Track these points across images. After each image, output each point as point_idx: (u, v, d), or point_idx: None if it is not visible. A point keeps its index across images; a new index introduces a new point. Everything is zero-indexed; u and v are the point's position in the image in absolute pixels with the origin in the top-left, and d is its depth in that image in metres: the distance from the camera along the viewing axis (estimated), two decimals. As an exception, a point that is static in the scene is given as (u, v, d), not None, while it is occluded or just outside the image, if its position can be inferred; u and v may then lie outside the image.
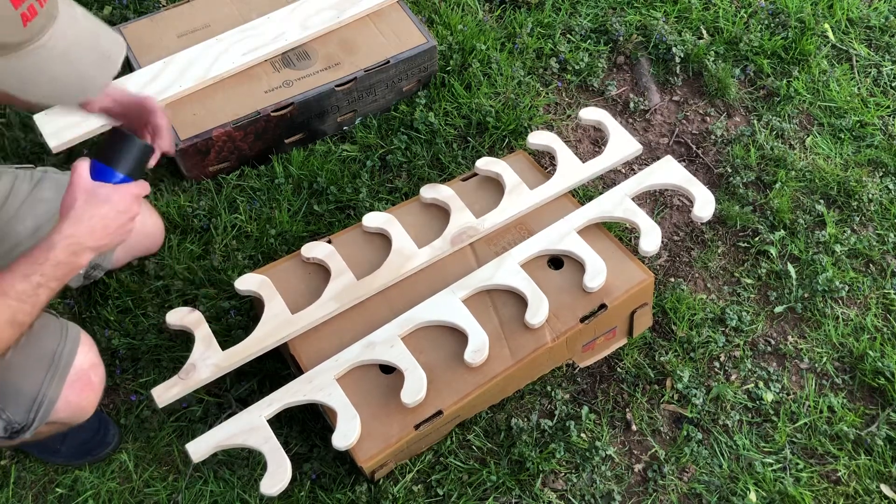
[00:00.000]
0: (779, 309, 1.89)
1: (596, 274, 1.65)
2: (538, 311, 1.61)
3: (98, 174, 1.25)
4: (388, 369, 1.59)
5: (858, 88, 2.28)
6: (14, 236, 1.48)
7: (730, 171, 2.10)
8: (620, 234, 1.98)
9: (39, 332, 1.30)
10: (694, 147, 2.17)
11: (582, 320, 1.64)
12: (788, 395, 1.77)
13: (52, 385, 1.30)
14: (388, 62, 2.05)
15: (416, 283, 1.69)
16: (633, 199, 1.79)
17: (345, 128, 2.13)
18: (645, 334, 1.83)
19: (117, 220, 1.23)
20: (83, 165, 1.23)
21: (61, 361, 1.31)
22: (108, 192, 1.22)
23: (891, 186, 2.08)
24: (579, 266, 1.69)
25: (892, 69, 2.32)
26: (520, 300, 1.65)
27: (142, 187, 1.27)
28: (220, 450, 1.48)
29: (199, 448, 1.46)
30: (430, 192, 1.79)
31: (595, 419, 1.73)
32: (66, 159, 2.00)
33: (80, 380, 1.34)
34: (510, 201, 1.78)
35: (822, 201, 2.04)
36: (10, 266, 1.17)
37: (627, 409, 1.75)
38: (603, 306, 1.65)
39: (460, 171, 2.05)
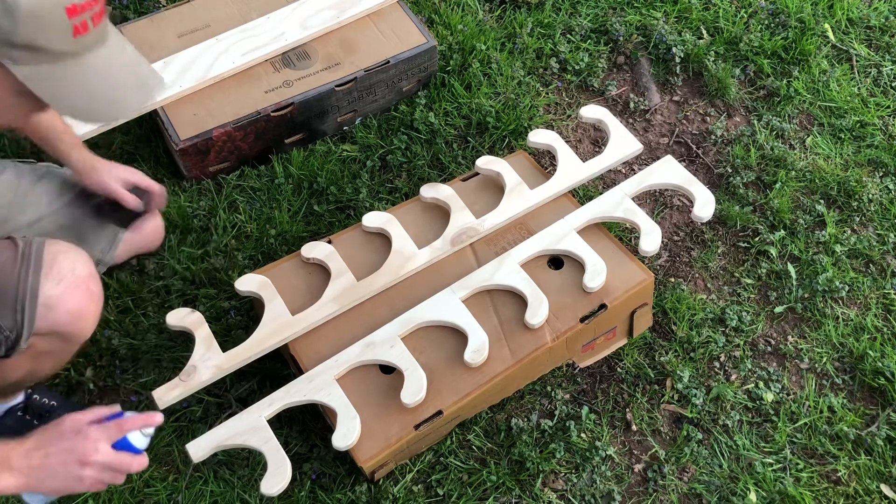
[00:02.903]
0: (779, 309, 1.89)
1: (596, 274, 1.66)
2: (538, 311, 1.61)
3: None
4: (388, 369, 1.59)
5: (858, 88, 2.28)
6: (12, 224, 1.47)
7: (730, 171, 2.10)
8: (620, 234, 1.98)
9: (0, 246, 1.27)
10: (694, 147, 2.17)
11: (582, 320, 1.64)
12: (788, 395, 1.77)
13: (29, 277, 1.23)
14: (388, 62, 2.05)
15: (416, 283, 1.69)
16: (633, 199, 1.79)
17: (345, 128, 2.13)
18: (645, 334, 1.83)
19: (63, 465, 1.11)
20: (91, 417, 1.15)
21: (31, 255, 1.25)
22: (76, 434, 1.12)
23: (891, 186, 2.08)
24: (579, 266, 1.69)
25: (892, 69, 2.32)
26: (520, 300, 1.65)
27: (121, 460, 1.14)
28: (220, 450, 1.48)
29: (199, 448, 1.46)
30: (430, 191, 1.79)
31: (595, 419, 1.73)
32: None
33: (79, 287, 1.29)
34: (510, 201, 1.78)
35: (822, 201, 2.04)
36: None
37: (627, 409, 1.75)
38: (603, 306, 1.65)
39: (460, 171, 2.05)
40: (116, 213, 1.49)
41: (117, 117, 1.12)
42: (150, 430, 1.20)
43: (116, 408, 1.19)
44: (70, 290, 1.28)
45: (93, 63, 1.06)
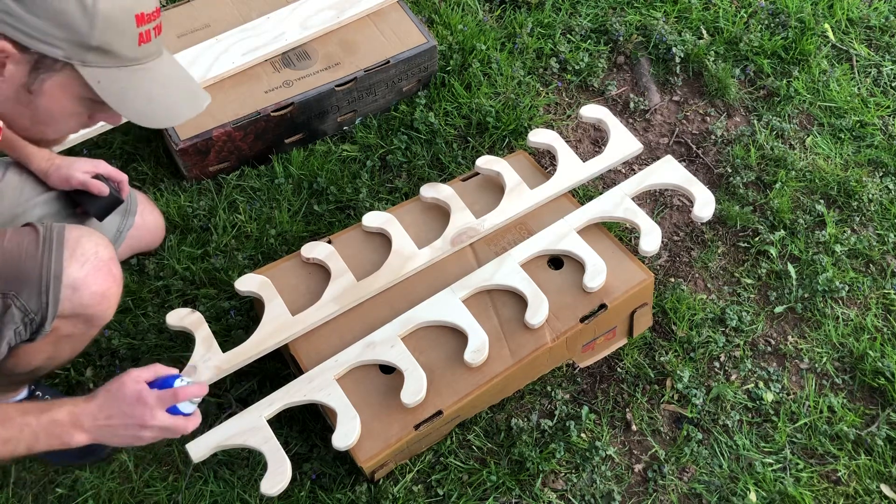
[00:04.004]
0: (779, 309, 1.89)
1: (596, 274, 1.66)
2: (538, 311, 1.61)
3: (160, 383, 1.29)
4: (388, 369, 1.59)
5: (858, 88, 2.28)
6: (24, 219, 1.48)
7: (730, 171, 2.10)
8: (620, 234, 1.98)
9: (20, 232, 1.29)
10: (694, 147, 2.17)
11: (582, 320, 1.64)
12: (788, 395, 1.77)
13: (52, 260, 1.27)
14: (388, 62, 2.05)
15: (416, 283, 1.69)
16: (633, 199, 1.79)
17: (345, 128, 2.13)
18: (645, 334, 1.83)
19: (125, 428, 1.25)
20: (143, 373, 1.27)
21: (53, 239, 1.29)
22: (137, 401, 1.24)
23: (891, 186, 2.08)
24: (579, 266, 1.69)
25: (892, 69, 2.32)
26: (520, 300, 1.65)
27: (176, 424, 1.27)
28: (220, 450, 1.48)
29: (199, 448, 1.46)
30: (430, 191, 1.79)
31: (595, 419, 1.73)
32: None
33: (101, 270, 1.32)
34: (510, 201, 1.78)
35: (822, 201, 2.05)
36: (21, 402, 1.25)
37: (627, 409, 1.75)
38: (603, 306, 1.65)
39: (460, 171, 2.05)
40: (92, 205, 1.51)
41: (172, 123, 1.22)
42: (198, 399, 1.31)
43: (174, 370, 1.31)
44: (94, 271, 1.31)
45: (152, 72, 1.14)
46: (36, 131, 1.15)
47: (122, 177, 1.58)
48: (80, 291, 1.29)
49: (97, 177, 1.51)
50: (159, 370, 1.30)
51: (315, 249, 1.71)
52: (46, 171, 1.50)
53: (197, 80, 1.96)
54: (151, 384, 1.27)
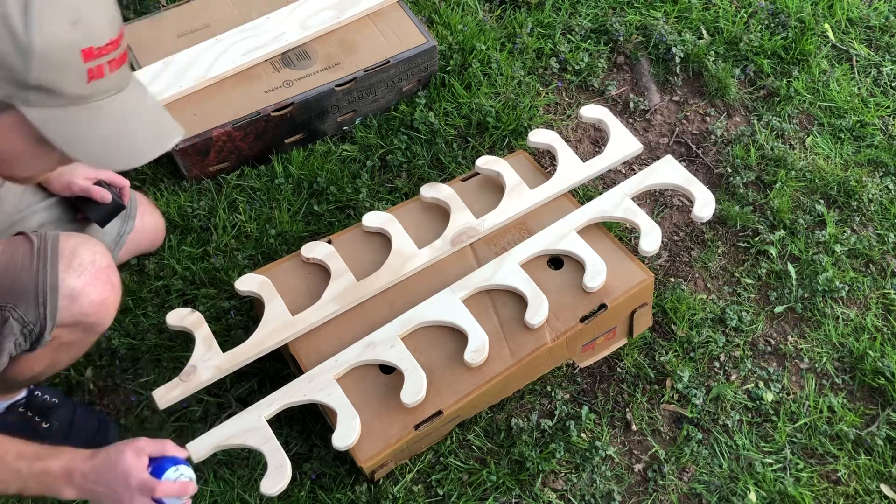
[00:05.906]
0: (779, 309, 1.89)
1: (596, 274, 1.66)
2: (538, 311, 1.61)
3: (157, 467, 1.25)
4: (388, 369, 1.59)
5: (858, 88, 2.28)
6: (21, 226, 1.48)
7: (730, 171, 2.10)
8: (620, 234, 1.98)
9: (13, 243, 1.29)
10: (694, 147, 2.17)
11: (582, 320, 1.64)
12: (788, 395, 1.77)
13: (48, 271, 1.25)
14: (388, 62, 2.05)
15: (416, 283, 1.69)
16: (633, 199, 1.79)
17: (345, 128, 2.13)
18: (645, 334, 1.83)
19: (108, 499, 1.22)
20: (143, 450, 1.24)
21: (48, 249, 1.27)
22: (123, 478, 1.22)
23: (891, 186, 2.08)
24: (579, 266, 1.69)
25: (892, 69, 2.32)
26: (520, 300, 1.65)
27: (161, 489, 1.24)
28: (220, 450, 1.48)
29: (199, 448, 1.46)
30: (430, 191, 1.79)
31: (595, 419, 1.73)
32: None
33: (99, 278, 1.32)
34: (510, 201, 1.78)
35: (822, 201, 2.05)
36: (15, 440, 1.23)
37: (627, 409, 1.75)
38: (603, 306, 1.65)
39: (460, 171, 2.05)
40: (94, 212, 1.51)
41: (133, 164, 1.10)
42: (185, 497, 1.27)
43: (182, 453, 1.28)
44: (92, 280, 1.30)
45: (108, 109, 1.05)
46: (3, 168, 1.10)
47: (124, 182, 1.57)
48: (79, 300, 1.29)
49: (99, 183, 1.51)
50: (167, 448, 1.27)
51: (315, 249, 1.71)
52: (48, 177, 1.49)
53: (197, 80, 1.97)
54: (152, 461, 1.25)
